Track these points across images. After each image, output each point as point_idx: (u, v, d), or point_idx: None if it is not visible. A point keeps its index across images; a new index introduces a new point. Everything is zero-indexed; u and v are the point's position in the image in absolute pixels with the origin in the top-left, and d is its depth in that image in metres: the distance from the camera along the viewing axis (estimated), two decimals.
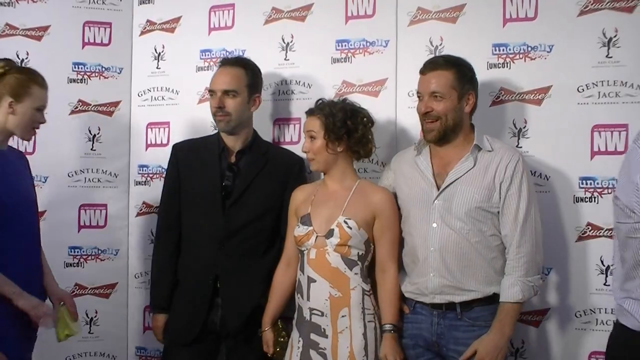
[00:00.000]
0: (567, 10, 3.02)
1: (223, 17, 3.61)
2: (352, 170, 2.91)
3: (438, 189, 2.74)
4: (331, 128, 2.80)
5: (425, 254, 2.73)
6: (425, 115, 2.74)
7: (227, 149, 3.11)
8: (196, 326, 3.02)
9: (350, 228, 2.76)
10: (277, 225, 3.08)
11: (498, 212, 2.69)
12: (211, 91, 3.08)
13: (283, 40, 3.46)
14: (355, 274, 2.78)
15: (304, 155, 3.03)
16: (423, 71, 2.76)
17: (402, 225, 2.84)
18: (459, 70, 2.75)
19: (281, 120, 3.45)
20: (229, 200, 3.03)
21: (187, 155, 3.16)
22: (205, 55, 3.62)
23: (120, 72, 3.71)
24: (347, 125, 2.81)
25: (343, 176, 2.87)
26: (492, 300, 2.69)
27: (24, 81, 2.82)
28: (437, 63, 2.76)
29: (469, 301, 2.69)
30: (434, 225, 2.71)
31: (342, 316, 2.76)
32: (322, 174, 2.94)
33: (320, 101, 2.90)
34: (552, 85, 3.02)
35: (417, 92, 2.78)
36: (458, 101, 2.73)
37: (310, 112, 2.88)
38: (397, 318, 2.78)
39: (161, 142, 3.69)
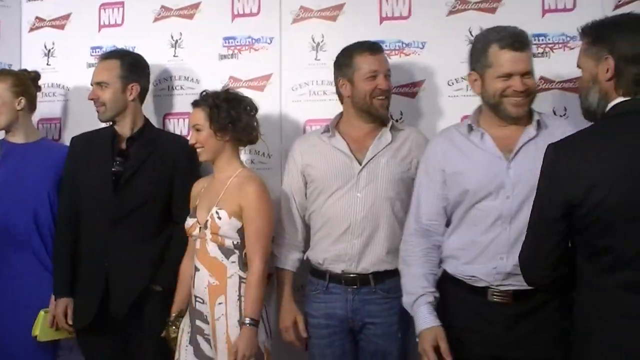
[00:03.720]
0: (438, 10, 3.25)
1: (113, 15, 3.69)
2: (237, 159, 3.00)
3: (359, 163, 2.91)
4: (216, 118, 2.89)
5: (348, 221, 2.89)
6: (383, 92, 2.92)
7: (118, 136, 3.21)
8: (91, 311, 3.07)
9: (220, 218, 2.84)
10: (168, 210, 3.16)
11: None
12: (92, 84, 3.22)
13: (172, 37, 3.56)
14: (233, 262, 2.86)
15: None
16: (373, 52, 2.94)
17: (316, 201, 2.98)
18: None
19: (170, 115, 3.54)
20: (119, 185, 3.11)
21: (82, 147, 3.24)
22: (95, 52, 3.66)
23: (9, 68, 3.68)
24: (231, 115, 2.90)
25: (228, 165, 2.96)
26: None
27: None
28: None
29: (382, 272, 2.87)
30: (358, 195, 2.89)
31: (219, 303, 2.83)
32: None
33: (205, 93, 2.98)
34: (424, 80, 3.24)
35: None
36: None
37: (195, 104, 2.97)
38: (256, 312, 2.78)
39: (53, 137, 3.72)
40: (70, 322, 3.15)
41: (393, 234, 2.88)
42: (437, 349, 2.50)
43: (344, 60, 2.98)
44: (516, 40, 2.51)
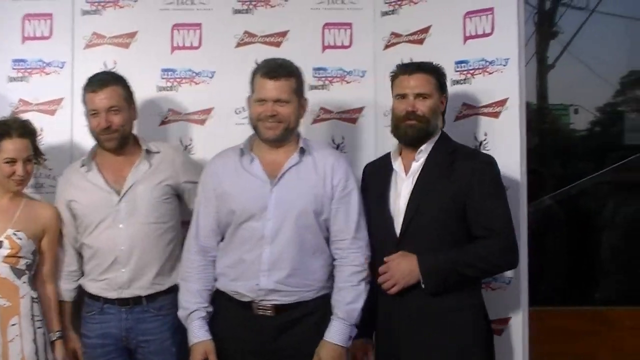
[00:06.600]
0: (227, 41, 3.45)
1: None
2: None
3: (118, 194, 2.96)
4: (36, 148, 2.99)
5: (114, 254, 2.94)
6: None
7: None
8: None
9: (20, 239, 2.90)
10: None
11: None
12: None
13: None
14: (24, 282, 2.91)
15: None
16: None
17: (84, 233, 3.00)
18: None
19: None
20: None
21: None
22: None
23: None
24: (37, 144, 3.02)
25: (18, 193, 3.00)
26: (172, 290, 2.97)
27: None
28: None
29: (154, 293, 2.97)
30: (120, 226, 2.95)
31: (12, 324, 2.86)
32: None
33: (24, 121, 3.00)
34: (213, 107, 3.42)
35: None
36: None
37: (19, 135, 2.91)
38: (61, 325, 2.99)
39: None
40: None
41: (162, 257, 2.99)
42: None
43: None
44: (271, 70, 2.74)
